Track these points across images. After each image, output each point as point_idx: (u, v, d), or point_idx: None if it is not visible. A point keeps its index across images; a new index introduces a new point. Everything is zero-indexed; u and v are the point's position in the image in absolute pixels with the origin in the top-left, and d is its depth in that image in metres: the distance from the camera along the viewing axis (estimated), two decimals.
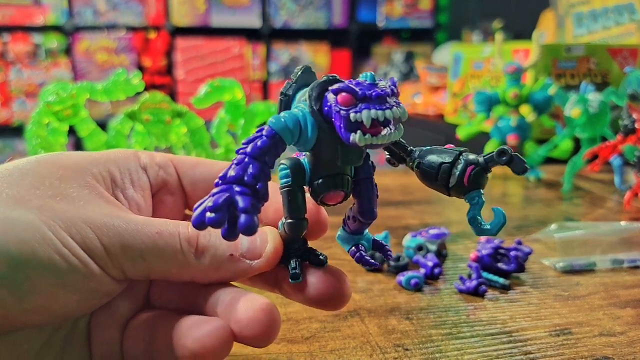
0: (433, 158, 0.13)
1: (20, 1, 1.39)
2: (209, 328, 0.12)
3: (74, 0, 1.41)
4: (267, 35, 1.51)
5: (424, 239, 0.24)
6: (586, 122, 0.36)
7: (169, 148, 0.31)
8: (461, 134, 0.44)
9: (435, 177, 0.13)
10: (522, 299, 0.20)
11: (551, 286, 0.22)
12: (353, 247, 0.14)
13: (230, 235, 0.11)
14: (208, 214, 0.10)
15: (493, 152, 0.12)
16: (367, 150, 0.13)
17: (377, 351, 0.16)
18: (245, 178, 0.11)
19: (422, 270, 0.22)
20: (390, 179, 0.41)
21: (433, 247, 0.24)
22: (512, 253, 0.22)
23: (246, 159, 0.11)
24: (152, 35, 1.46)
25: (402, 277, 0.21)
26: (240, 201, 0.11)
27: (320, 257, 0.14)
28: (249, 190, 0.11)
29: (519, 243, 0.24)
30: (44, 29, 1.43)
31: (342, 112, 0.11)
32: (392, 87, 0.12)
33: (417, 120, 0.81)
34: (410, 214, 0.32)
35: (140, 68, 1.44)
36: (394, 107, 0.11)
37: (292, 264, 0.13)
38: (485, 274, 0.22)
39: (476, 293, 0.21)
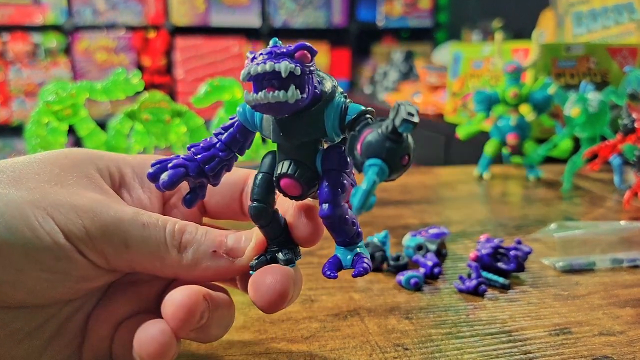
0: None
1: (20, 0, 1.38)
2: (149, 331, 0.12)
3: (73, 0, 1.41)
4: (266, 34, 1.51)
5: (423, 238, 0.24)
6: (586, 122, 0.36)
7: (169, 147, 0.31)
8: (461, 133, 0.44)
9: (348, 150, 0.11)
10: (521, 299, 0.20)
11: (551, 285, 0.22)
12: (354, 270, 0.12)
13: (185, 202, 0.13)
14: (149, 169, 0.13)
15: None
16: (341, 142, 0.12)
17: (377, 351, 0.16)
18: (194, 149, 0.13)
19: (422, 270, 0.22)
20: None
21: (433, 247, 0.24)
22: (512, 252, 0.22)
23: (209, 138, 0.13)
24: (152, 34, 1.46)
25: (401, 277, 0.21)
26: (173, 162, 0.12)
27: (286, 256, 0.13)
28: (190, 157, 0.12)
29: (519, 242, 0.24)
30: (43, 29, 1.42)
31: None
32: (290, 48, 0.11)
33: None
34: (410, 213, 0.32)
35: (140, 67, 1.44)
36: (270, 62, 0.11)
37: (260, 256, 0.13)
38: (484, 274, 0.22)
39: (476, 292, 0.21)
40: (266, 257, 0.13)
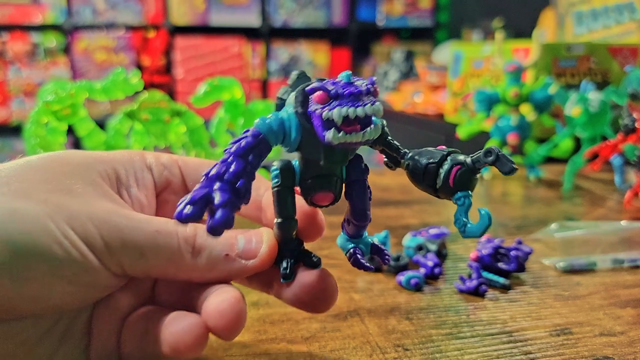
0: (421, 159, 0.13)
1: (19, 0, 1.38)
2: (184, 323, 0.12)
3: None
4: (266, 34, 1.51)
5: (424, 238, 0.24)
6: (586, 121, 0.36)
7: (168, 147, 0.31)
8: (461, 133, 0.44)
9: (422, 177, 0.13)
10: (522, 299, 0.20)
11: (551, 286, 0.22)
12: (350, 250, 0.14)
13: (211, 230, 0.11)
14: (186, 208, 0.11)
15: (480, 152, 0.12)
16: (359, 152, 0.13)
17: (377, 351, 0.16)
18: (226, 175, 0.11)
19: (422, 270, 0.22)
20: (390, 179, 0.41)
21: (433, 247, 0.24)
22: (513, 253, 0.22)
23: (230, 158, 0.12)
24: (151, 34, 1.46)
25: (402, 277, 0.21)
26: (218, 196, 0.11)
27: (314, 258, 0.14)
28: (227, 187, 0.11)
29: (519, 242, 0.23)
30: (42, 28, 1.42)
31: (317, 110, 0.11)
32: (369, 85, 0.12)
33: (417, 119, 0.81)
34: (410, 213, 0.32)
35: (139, 67, 1.44)
36: (367, 105, 0.11)
37: (284, 264, 0.14)
38: (485, 274, 0.22)
39: (476, 293, 0.21)
40: (290, 262, 0.14)
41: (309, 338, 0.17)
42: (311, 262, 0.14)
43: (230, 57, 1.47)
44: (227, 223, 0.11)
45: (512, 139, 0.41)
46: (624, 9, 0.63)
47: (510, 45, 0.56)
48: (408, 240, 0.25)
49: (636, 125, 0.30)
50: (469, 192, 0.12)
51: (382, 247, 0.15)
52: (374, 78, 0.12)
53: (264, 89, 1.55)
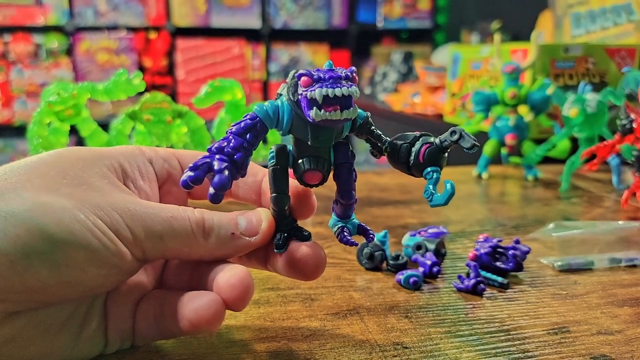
0: (397, 141, 0.15)
1: (21, 1, 1.39)
2: (204, 299, 0.14)
3: (74, 1, 1.41)
4: (267, 35, 1.51)
5: (422, 237, 0.25)
6: (584, 122, 0.36)
7: (170, 148, 0.31)
8: None
9: (397, 157, 0.15)
10: (520, 298, 0.21)
11: (549, 285, 0.22)
12: (339, 228, 0.16)
13: (212, 196, 0.13)
14: (188, 173, 0.13)
15: (447, 132, 0.14)
16: (345, 139, 0.15)
17: (376, 349, 0.17)
18: (225, 149, 0.13)
19: (421, 269, 0.22)
20: (389, 178, 0.41)
21: (432, 246, 0.24)
22: (511, 252, 0.23)
23: (230, 136, 0.14)
24: (153, 35, 1.47)
25: (401, 276, 0.21)
26: (217, 164, 0.13)
27: (305, 233, 0.16)
28: (226, 158, 0.13)
29: (517, 242, 0.24)
30: (45, 29, 1.43)
31: (303, 93, 0.13)
32: (348, 72, 0.13)
33: (415, 119, 0.81)
34: (409, 213, 0.32)
35: (141, 68, 1.44)
36: (345, 87, 0.13)
37: (277, 236, 0.16)
38: (483, 273, 0.22)
39: (475, 292, 0.21)
40: (284, 235, 0.15)
41: (309, 336, 0.17)
42: (302, 235, 0.16)
43: (231, 59, 1.48)
44: (224, 186, 0.13)
45: (510, 139, 0.42)
46: (622, 10, 0.63)
47: (508, 46, 0.57)
48: (407, 239, 0.25)
49: (633, 125, 0.31)
50: (438, 167, 0.14)
51: (367, 227, 0.16)
52: (354, 68, 0.14)
53: (265, 90, 1.55)
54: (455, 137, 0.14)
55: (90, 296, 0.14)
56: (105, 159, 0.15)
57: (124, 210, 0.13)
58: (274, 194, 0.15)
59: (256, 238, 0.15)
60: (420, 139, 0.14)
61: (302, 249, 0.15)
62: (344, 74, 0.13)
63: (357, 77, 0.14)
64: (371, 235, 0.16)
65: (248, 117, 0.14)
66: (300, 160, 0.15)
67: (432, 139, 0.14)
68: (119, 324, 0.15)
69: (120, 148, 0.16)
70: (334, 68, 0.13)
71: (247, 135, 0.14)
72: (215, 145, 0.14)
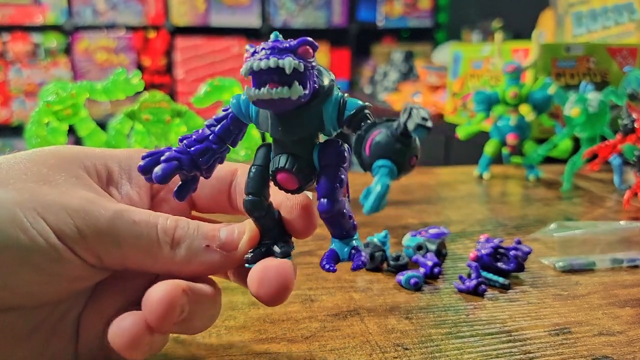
0: (360, 130, 0.12)
1: (20, 0, 1.38)
2: (122, 323, 0.12)
3: (73, 0, 1.41)
4: (266, 34, 1.51)
5: (423, 238, 0.24)
6: (585, 122, 0.36)
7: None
8: (460, 133, 0.44)
9: (354, 147, 0.12)
10: (521, 299, 0.20)
11: (550, 285, 0.22)
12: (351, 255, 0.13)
13: (177, 195, 0.12)
14: (139, 162, 0.12)
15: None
16: (339, 137, 0.12)
17: (377, 350, 0.16)
18: (187, 140, 0.12)
19: (422, 270, 0.22)
20: None
21: (432, 247, 0.24)
22: (512, 252, 0.22)
23: (201, 130, 0.12)
24: (152, 34, 1.46)
25: (401, 277, 0.21)
26: (167, 154, 0.12)
27: (281, 248, 0.13)
28: (184, 149, 0.12)
29: (518, 242, 0.24)
30: (43, 29, 1.42)
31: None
32: (295, 44, 0.11)
33: None
34: (410, 213, 0.32)
35: (140, 67, 1.44)
36: (273, 58, 0.10)
37: (252, 250, 0.13)
38: (484, 273, 0.22)
39: (476, 292, 0.21)
40: (261, 250, 0.13)
41: (309, 337, 0.17)
42: (277, 252, 0.13)
43: (231, 58, 1.47)
44: (164, 176, 0.11)
45: (511, 139, 0.41)
46: (623, 10, 0.63)
47: (509, 45, 0.57)
48: (408, 240, 0.25)
49: (635, 125, 0.31)
50: (388, 160, 0.11)
51: (359, 250, 0.13)
52: (309, 39, 0.11)
53: None
54: (404, 116, 0.11)
55: (48, 303, 0.13)
56: (88, 159, 0.14)
57: (77, 209, 0.12)
58: (244, 197, 0.13)
59: (234, 254, 0.13)
60: (378, 126, 0.12)
61: (261, 269, 0.12)
62: (287, 45, 0.11)
63: (309, 50, 0.11)
64: (360, 263, 0.13)
65: (222, 109, 0.13)
66: (273, 158, 0.12)
67: (385, 126, 0.11)
68: (91, 340, 0.13)
69: (117, 150, 0.15)
70: (279, 39, 0.11)
71: (217, 127, 0.12)
72: (184, 136, 0.12)
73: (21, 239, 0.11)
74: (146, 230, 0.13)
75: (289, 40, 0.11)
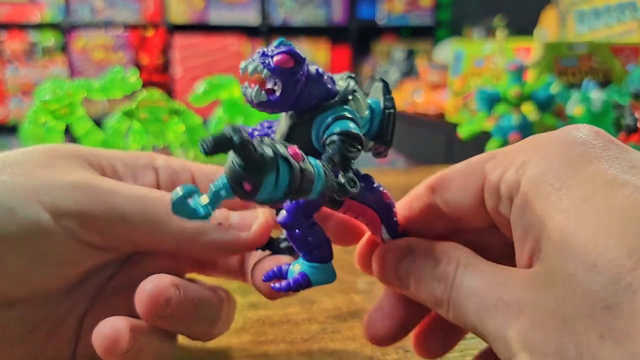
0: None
1: None
2: (103, 326, 0.11)
3: None
4: (266, 32, 1.50)
5: None
6: (588, 121, 0.36)
7: (167, 146, 0.31)
8: (462, 132, 0.43)
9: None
10: None
11: None
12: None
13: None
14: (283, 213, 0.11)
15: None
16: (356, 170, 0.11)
17: (378, 353, 0.16)
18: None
19: None
20: (391, 179, 0.41)
21: None
22: None
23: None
24: (149, 32, 1.46)
25: None
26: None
27: (281, 244, 0.13)
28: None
29: None
30: (40, 27, 1.42)
31: None
32: (276, 51, 0.11)
33: (417, 119, 0.81)
34: None
35: (137, 66, 1.43)
36: (254, 62, 0.11)
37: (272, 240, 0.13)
38: None
39: None
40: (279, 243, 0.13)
41: (309, 339, 0.17)
42: (276, 246, 0.13)
43: (229, 56, 1.47)
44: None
45: (513, 138, 0.41)
46: (626, 8, 0.62)
47: (511, 44, 0.56)
48: None
49: (638, 124, 0.30)
50: (224, 178, 0.09)
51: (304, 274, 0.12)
52: (292, 46, 0.11)
53: None
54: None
55: (46, 294, 0.12)
56: (93, 157, 0.13)
57: (81, 184, 0.12)
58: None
59: (247, 234, 0.12)
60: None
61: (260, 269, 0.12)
62: (269, 53, 0.11)
63: (288, 59, 0.10)
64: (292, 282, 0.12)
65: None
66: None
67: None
68: (91, 346, 0.12)
69: (123, 152, 0.15)
70: (281, 44, 0.11)
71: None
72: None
73: (5, 220, 0.11)
74: (154, 202, 0.12)
75: (279, 46, 0.11)
